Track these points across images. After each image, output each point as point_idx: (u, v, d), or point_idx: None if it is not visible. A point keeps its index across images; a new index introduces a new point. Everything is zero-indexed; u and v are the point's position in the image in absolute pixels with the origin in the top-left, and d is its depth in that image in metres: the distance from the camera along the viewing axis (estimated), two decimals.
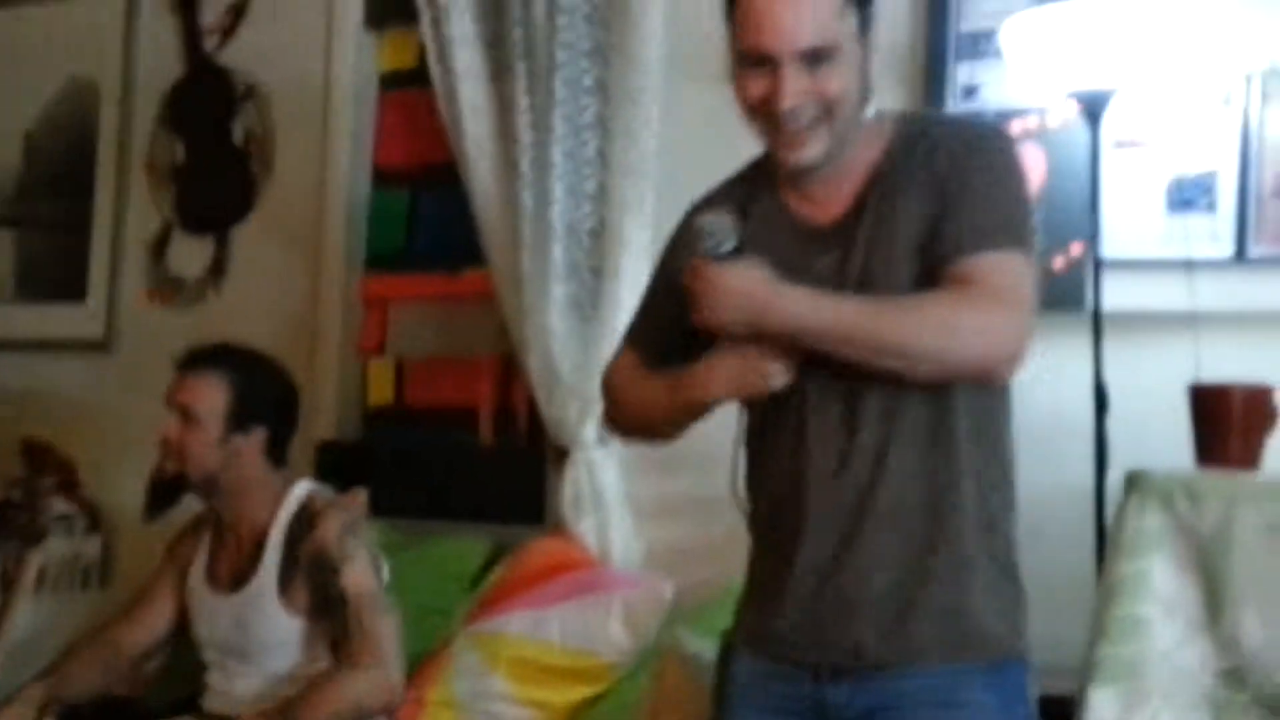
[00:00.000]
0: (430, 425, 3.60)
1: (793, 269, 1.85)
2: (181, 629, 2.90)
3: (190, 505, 2.88)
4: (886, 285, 1.83)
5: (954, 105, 2.92)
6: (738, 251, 1.85)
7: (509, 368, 3.47)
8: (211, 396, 2.74)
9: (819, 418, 1.88)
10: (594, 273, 3.24)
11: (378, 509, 2.93)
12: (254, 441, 2.77)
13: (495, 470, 3.51)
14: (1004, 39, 2.78)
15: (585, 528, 3.19)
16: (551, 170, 3.25)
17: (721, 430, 3.11)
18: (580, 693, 2.94)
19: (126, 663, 2.92)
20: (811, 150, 1.86)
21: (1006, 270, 1.78)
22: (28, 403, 4.15)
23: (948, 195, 1.83)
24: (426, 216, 3.67)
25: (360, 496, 2.83)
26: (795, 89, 1.81)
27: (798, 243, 1.92)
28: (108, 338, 4.05)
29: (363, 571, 2.68)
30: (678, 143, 3.21)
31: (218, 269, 3.90)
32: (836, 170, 1.90)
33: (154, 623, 2.91)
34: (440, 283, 3.62)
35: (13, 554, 3.68)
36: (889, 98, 3.00)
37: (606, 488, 3.20)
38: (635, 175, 3.19)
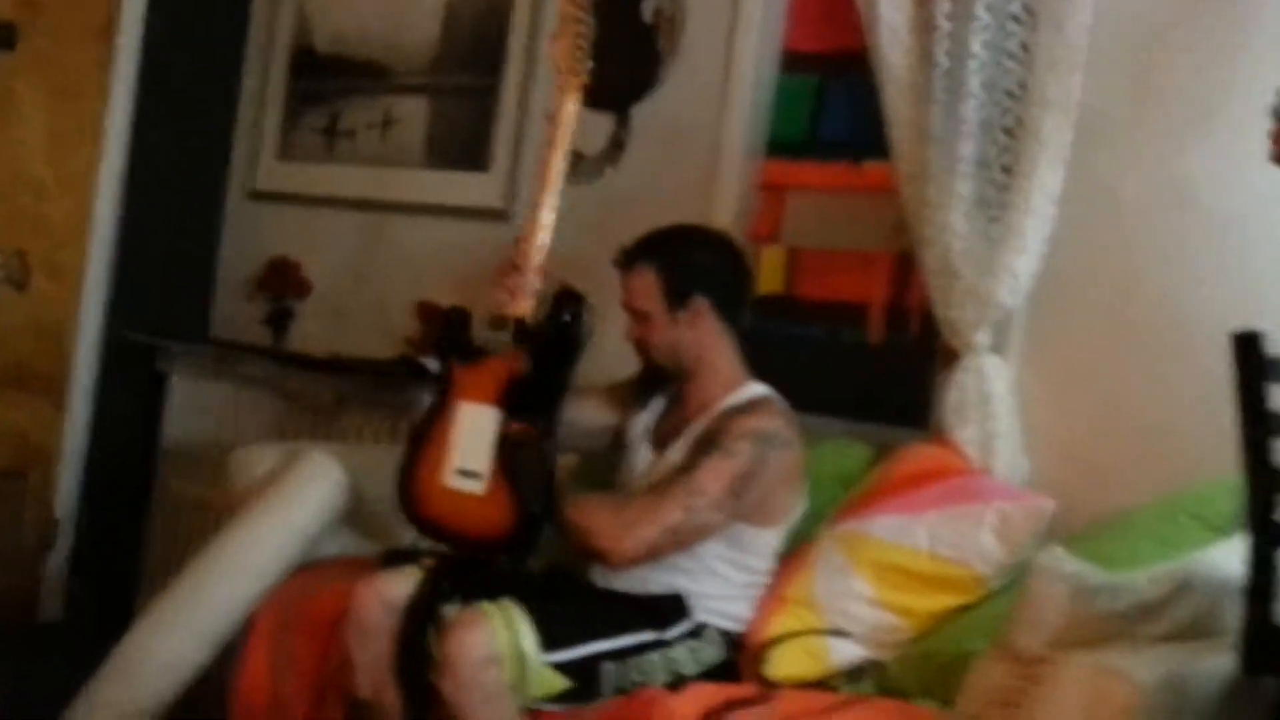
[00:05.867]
0: (818, 318, 3.53)
1: None
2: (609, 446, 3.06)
3: None
4: None
5: None
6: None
7: (904, 265, 3.37)
8: (646, 287, 2.88)
9: None
10: (1005, 171, 3.09)
11: None
12: (699, 309, 2.86)
13: (881, 369, 3.43)
14: None
15: (968, 436, 3.08)
16: (969, 62, 3.11)
17: (1130, 358, 2.99)
18: (944, 602, 2.86)
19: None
20: None
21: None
22: (427, 266, 4.28)
23: None
24: (833, 104, 3.57)
25: None
26: None
27: None
28: (507, 207, 4.12)
29: (720, 473, 2.71)
30: (1107, 37, 3.02)
31: (616, 146, 3.91)
32: None
33: (603, 408, 3.08)
34: (841, 173, 3.53)
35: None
36: None
37: (995, 396, 3.08)
38: (1060, 70, 3.01)
